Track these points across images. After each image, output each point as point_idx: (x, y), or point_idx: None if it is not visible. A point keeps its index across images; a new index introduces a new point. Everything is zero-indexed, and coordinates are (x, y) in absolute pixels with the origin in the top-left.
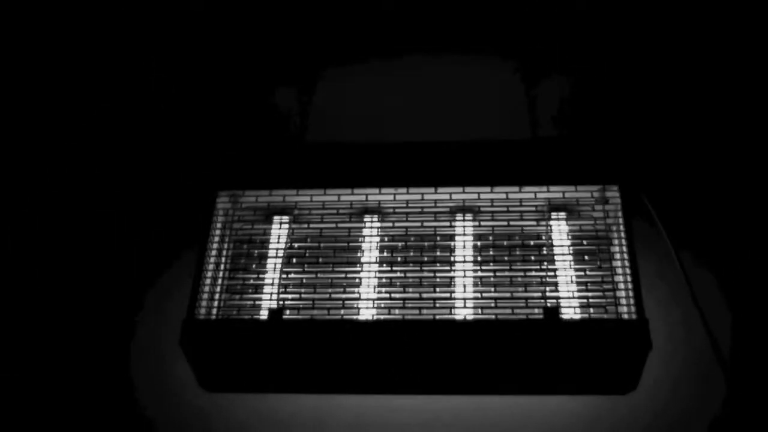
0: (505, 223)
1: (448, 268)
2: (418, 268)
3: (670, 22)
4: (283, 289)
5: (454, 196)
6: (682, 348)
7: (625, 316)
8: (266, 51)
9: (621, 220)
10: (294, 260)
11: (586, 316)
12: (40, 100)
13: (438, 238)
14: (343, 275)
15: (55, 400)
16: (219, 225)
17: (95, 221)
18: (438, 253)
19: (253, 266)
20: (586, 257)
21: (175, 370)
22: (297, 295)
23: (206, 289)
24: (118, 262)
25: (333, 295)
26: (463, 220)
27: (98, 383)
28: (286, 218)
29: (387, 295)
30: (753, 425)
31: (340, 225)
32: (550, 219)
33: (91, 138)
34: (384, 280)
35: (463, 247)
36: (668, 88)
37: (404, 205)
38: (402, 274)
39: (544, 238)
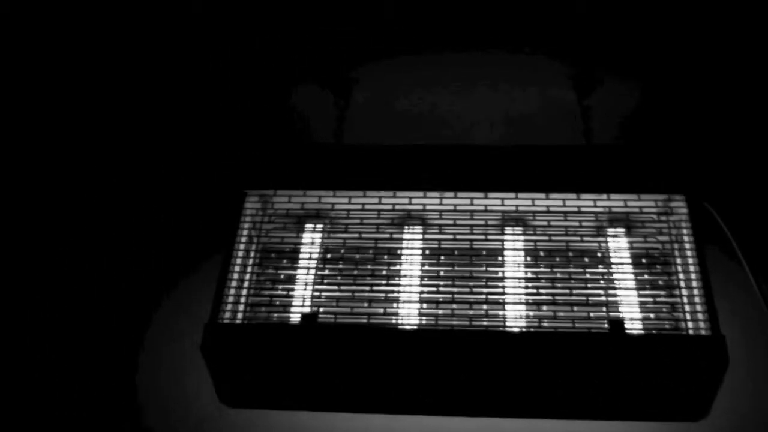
0: (563, 231)
1: (500, 277)
2: (468, 276)
3: (733, 31)
4: (318, 294)
5: (506, 202)
6: (757, 367)
7: (700, 332)
8: (302, 52)
9: (689, 231)
10: (329, 265)
11: (653, 331)
12: (73, 99)
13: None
14: (384, 282)
15: (63, 409)
16: (247, 227)
17: (120, 222)
18: (489, 262)
19: (284, 271)
20: (651, 270)
21: (195, 383)
22: (333, 301)
23: (232, 292)
24: (142, 265)
25: (373, 303)
26: (516, 228)
27: (111, 396)
28: (320, 222)
29: (434, 305)
30: None
31: (381, 229)
32: (609, 228)
33: (120, 138)
34: (430, 289)
35: (517, 255)
36: (730, 93)
37: (452, 209)
38: (450, 283)
39: (603, 248)
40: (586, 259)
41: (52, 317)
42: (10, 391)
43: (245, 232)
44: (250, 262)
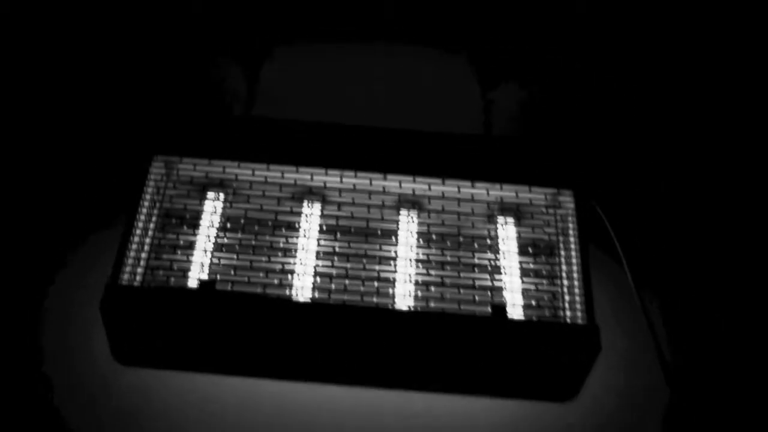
0: (456, 216)
1: (393, 256)
2: (363, 255)
3: (635, 31)
4: (217, 261)
5: (403, 185)
6: (625, 358)
7: (577, 321)
8: (217, 20)
9: (574, 225)
10: (228, 234)
11: (533, 318)
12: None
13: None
14: (281, 254)
15: None
16: (151, 191)
17: (27, 178)
18: (383, 242)
19: (185, 237)
20: (536, 260)
21: (89, 341)
22: (230, 270)
23: (133, 254)
24: (44, 226)
25: (270, 274)
26: (411, 210)
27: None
28: (222, 191)
29: (327, 279)
30: None
31: (282, 203)
32: (499, 217)
33: (25, 95)
34: (325, 264)
35: (410, 237)
36: (622, 93)
37: (351, 188)
38: (345, 260)
39: (492, 236)
40: (476, 245)
41: None
42: None
43: (149, 197)
44: (152, 226)
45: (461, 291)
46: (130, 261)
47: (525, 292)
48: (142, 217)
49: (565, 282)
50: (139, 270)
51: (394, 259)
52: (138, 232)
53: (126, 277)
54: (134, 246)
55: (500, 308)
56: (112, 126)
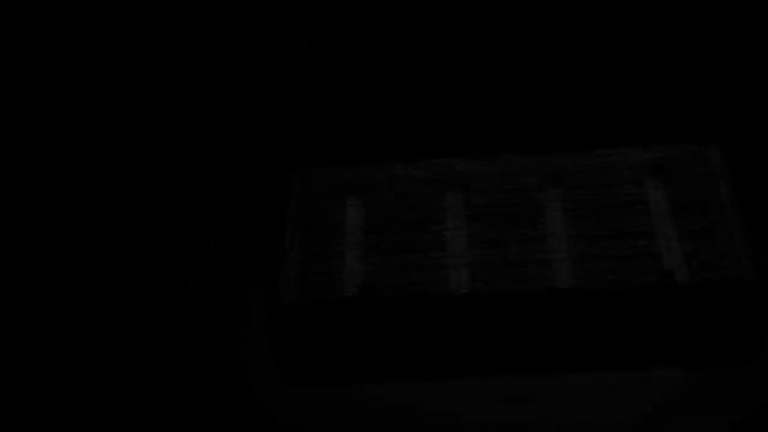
0: (604, 186)
1: (547, 235)
2: (516, 238)
3: None
4: (371, 267)
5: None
6: None
7: (744, 277)
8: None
9: (726, 178)
10: (378, 236)
11: (700, 279)
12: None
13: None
14: (434, 249)
15: (134, 396)
16: (294, 205)
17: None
18: (535, 224)
19: (335, 245)
20: (692, 219)
21: (260, 364)
22: (385, 272)
23: (289, 273)
24: (190, 252)
25: (426, 272)
26: (557, 188)
27: (177, 379)
28: (362, 196)
29: (484, 268)
30: None
31: (425, 198)
32: (649, 181)
33: (160, 124)
34: (481, 252)
35: (561, 215)
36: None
37: (492, 174)
38: (498, 246)
39: (644, 200)
40: (628, 213)
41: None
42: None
43: (293, 211)
44: (301, 241)
45: (621, 262)
46: (288, 280)
47: (686, 254)
48: (292, 234)
49: (725, 238)
50: (298, 287)
51: (551, 237)
52: (291, 249)
53: (287, 296)
54: (289, 264)
55: (667, 273)
56: (244, 147)
